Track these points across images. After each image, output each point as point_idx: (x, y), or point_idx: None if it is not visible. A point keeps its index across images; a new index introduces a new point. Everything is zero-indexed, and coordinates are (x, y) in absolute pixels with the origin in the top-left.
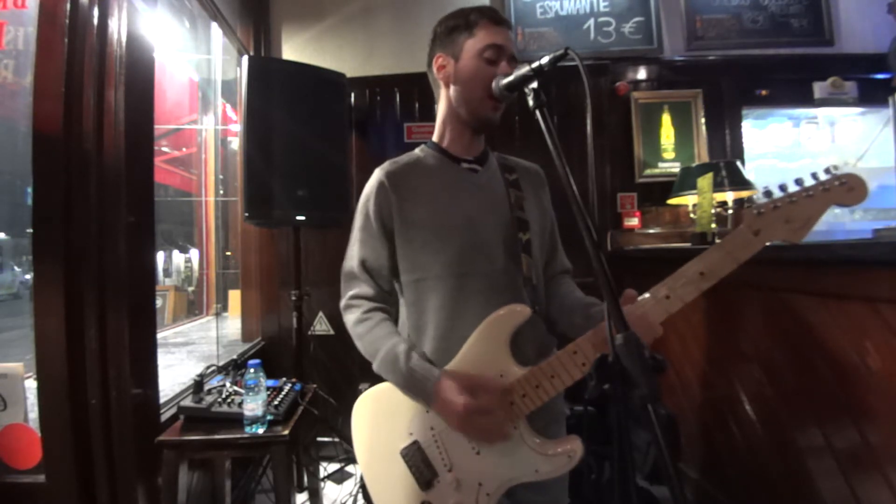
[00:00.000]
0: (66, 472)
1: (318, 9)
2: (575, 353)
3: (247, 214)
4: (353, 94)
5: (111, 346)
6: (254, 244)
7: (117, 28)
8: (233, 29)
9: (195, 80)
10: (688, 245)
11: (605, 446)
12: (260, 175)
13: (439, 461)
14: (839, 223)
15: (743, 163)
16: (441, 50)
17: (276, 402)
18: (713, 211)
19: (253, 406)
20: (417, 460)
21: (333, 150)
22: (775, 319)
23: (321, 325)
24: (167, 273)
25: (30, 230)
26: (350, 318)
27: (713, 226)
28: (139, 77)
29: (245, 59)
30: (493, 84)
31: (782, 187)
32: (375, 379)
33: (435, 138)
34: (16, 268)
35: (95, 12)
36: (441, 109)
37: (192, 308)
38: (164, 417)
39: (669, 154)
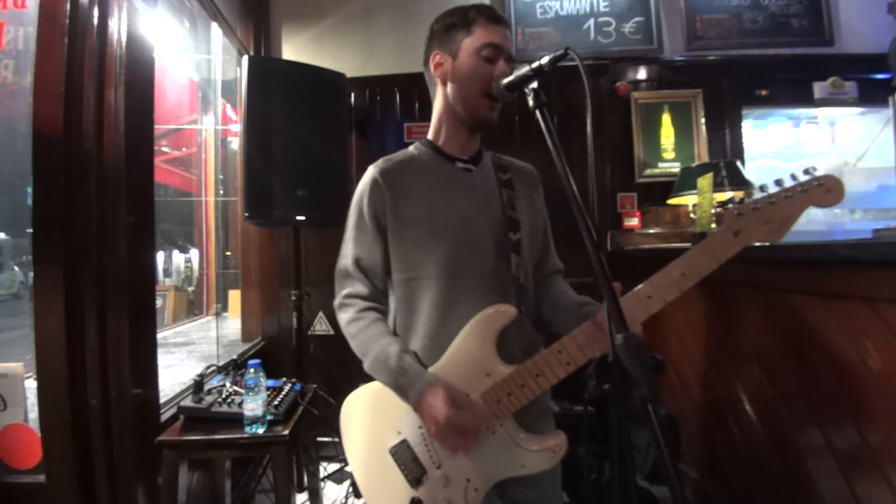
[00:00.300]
0: (66, 472)
1: (318, 9)
2: (560, 353)
3: (247, 214)
4: (353, 94)
5: (111, 346)
6: (254, 244)
7: (117, 28)
8: (233, 29)
9: (195, 80)
10: (688, 245)
11: (605, 446)
12: (260, 175)
13: (428, 458)
14: (839, 223)
15: (743, 163)
16: (438, 47)
17: (276, 402)
18: (713, 211)
19: (253, 406)
20: (406, 458)
21: (333, 150)
22: (775, 319)
23: (321, 325)
24: (167, 273)
25: (30, 230)
26: (344, 317)
27: (713, 226)
28: (139, 77)
29: (245, 59)
30: (493, 84)
31: (762, 188)
32: (374, 379)
33: (430, 136)
34: (16, 268)
35: (95, 12)
36: (437, 107)
37: (192, 308)
38: (164, 417)
39: (669, 154)
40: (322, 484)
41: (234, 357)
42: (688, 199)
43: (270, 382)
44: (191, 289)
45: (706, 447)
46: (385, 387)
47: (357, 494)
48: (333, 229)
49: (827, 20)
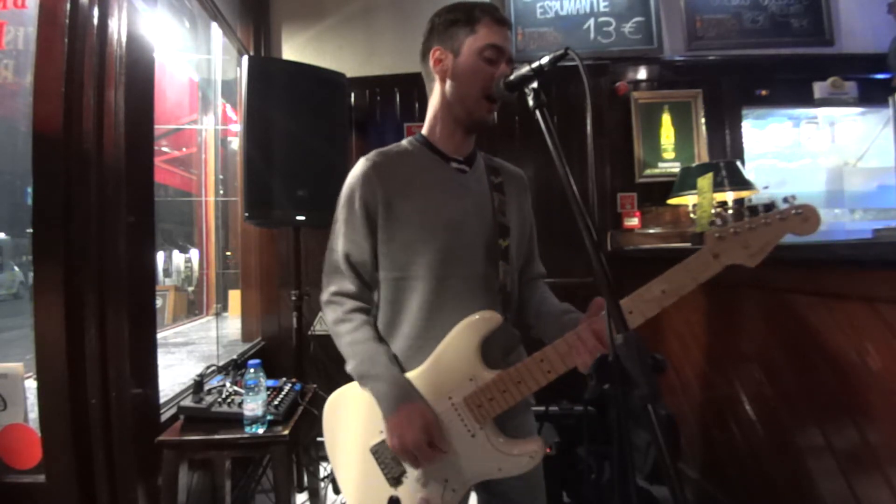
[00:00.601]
0: (66, 472)
1: (318, 9)
2: (541, 361)
3: (247, 214)
4: (353, 94)
5: (111, 346)
6: (254, 244)
7: (117, 28)
8: (233, 29)
9: (195, 80)
10: (688, 245)
11: (605, 446)
12: (260, 175)
13: None
14: (839, 223)
15: (743, 163)
16: (439, 43)
17: (276, 402)
18: (713, 211)
19: (253, 406)
20: (387, 457)
21: (333, 150)
22: (775, 319)
23: (321, 325)
24: (167, 273)
25: (30, 230)
26: (331, 316)
27: (713, 226)
28: (139, 77)
29: (245, 59)
30: (493, 84)
31: (753, 210)
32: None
33: (424, 132)
34: (16, 268)
35: (95, 12)
36: (433, 103)
37: (192, 308)
38: (164, 417)
39: (669, 154)
40: (322, 484)
41: (234, 357)
42: (688, 199)
43: (270, 382)
44: (191, 289)
45: (706, 447)
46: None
47: (336, 490)
48: None
49: (827, 20)
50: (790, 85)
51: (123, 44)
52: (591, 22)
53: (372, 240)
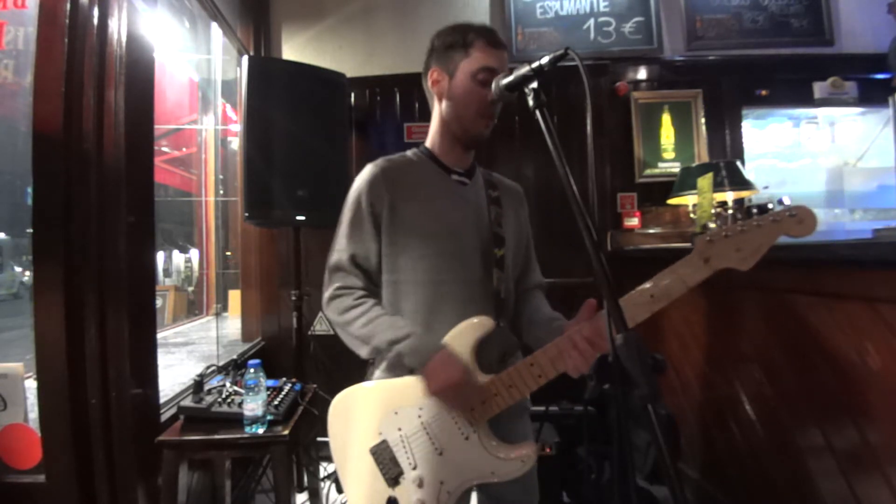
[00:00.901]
0: (66, 472)
1: (318, 9)
2: (532, 366)
3: (247, 214)
4: (353, 94)
5: (111, 346)
6: (254, 244)
7: (117, 28)
8: (233, 29)
9: (195, 80)
10: (688, 245)
11: (605, 446)
12: (260, 175)
13: (405, 460)
14: (839, 223)
15: (743, 163)
16: (437, 64)
17: (276, 402)
18: (713, 211)
19: (253, 406)
20: (385, 458)
21: (333, 150)
22: (775, 319)
23: (321, 325)
24: (167, 273)
25: (30, 230)
26: (338, 307)
27: (713, 226)
28: (139, 77)
29: (245, 59)
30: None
31: (751, 210)
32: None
33: (427, 144)
34: (16, 268)
35: (95, 12)
36: (434, 120)
37: (192, 308)
38: (164, 417)
39: (669, 154)
40: (322, 484)
41: (234, 357)
42: (688, 199)
43: (270, 382)
44: (191, 289)
45: (706, 447)
46: (368, 388)
47: (339, 490)
48: (333, 229)
49: (827, 20)
50: (790, 85)
51: (123, 44)
52: (591, 22)
53: (377, 240)
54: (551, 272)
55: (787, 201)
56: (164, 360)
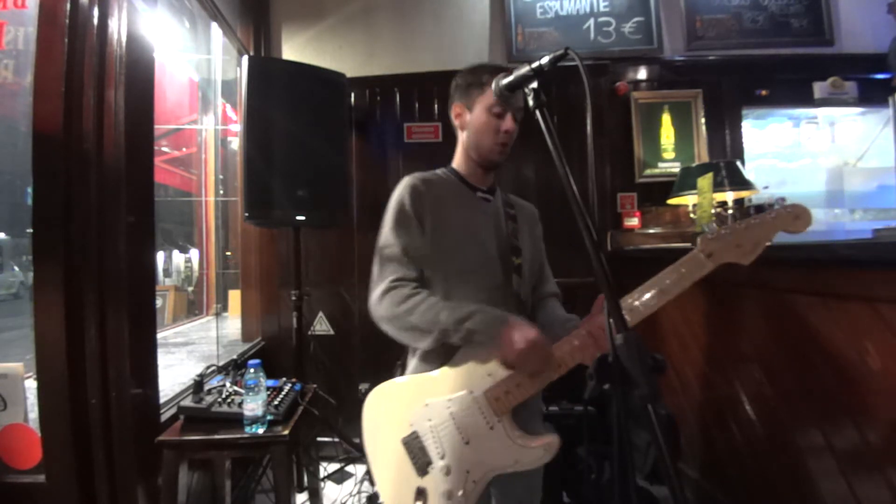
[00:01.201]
0: (66, 472)
1: (318, 9)
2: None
3: (247, 214)
4: (353, 94)
5: (111, 346)
6: (254, 244)
7: (117, 28)
8: (233, 29)
9: (195, 80)
10: (688, 245)
11: (605, 446)
12: (260, 175)
13: (434, 449)
14: (839, 223)
15: (743, 163)
16: (459, 100)
17: (276, 402)
18: (713, 211)
19: (253, 406)
20: (415, 448)
21: (333, 150)
22: (775, 319)
23: (321, 325)
24: (167, 273)
25: (30, 230)
26: (398, 295)
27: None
28: (139, 77)
29: (245, 59)
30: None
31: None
32: (374, 379)
33: (454, 165)
34: (16, 268)
35: (95, 12)
36: (458, 146)
37: (192, 308)
38: (164, 417)
39: (669, 154)
40: (322, 484)
41: (234, 357)
42: (688, 199)
43: (270, 382)
44: (191, 289)
45: (706, 447)
46: (401, 383)
47: (372, 482)
48: (333, 229)
49: (827, 20)
50: (790, 85)
51: (123, 44)
52: (591, 22)
53: (422, 237)
54: (552, 272)
55: (785, 202)
56: (164, 360)
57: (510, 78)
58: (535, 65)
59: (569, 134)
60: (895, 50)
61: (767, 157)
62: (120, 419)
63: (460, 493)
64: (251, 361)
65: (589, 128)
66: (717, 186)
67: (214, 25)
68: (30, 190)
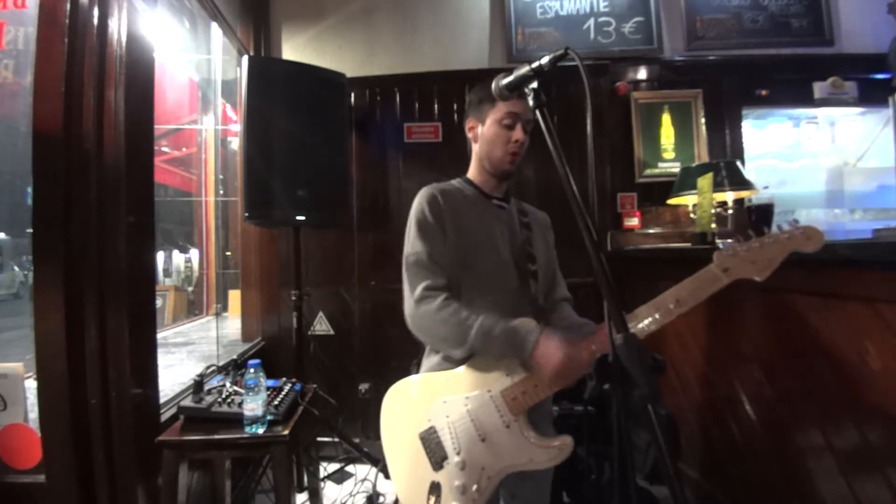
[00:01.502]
0: (66, 472)
1: (318, 9)
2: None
3: (247, 214)
4: (353, 94)
5: (111, 346)
6: (254, 244)
7: (117, 28)
8: (233, 29)
9: (195, 80)
10: (688, 245)
11: (605, 446)
12: (260, 175)
13: (450, 444)
14: (839, 223)
15: (743, 163)
16: (472, 115)
17: (276, 402)
18: (713, 211)
19: (253, 406)
20: (432, 443)
21: (333, 150)
22: (775, 319)
23: (321, 325)
24: (167, 273)
25: (30, 230)
26: (430, 308)
27: (713, 226)
28: (139, 77)
29: (245, 59)
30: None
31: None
32: (374, 379)
33: (469, 176)
34: (16, 268)
35: (95, 12)
36: (473, 158)
37: (192, 308)
38: (164, 417)
39: (669, 154)
40: (322, 484)
41: (234, 357)
42: (688, 199)
43: (270, 382)
44: (191, 289)
45: (706, 447)
46: (421, 379)
47: (387, 476)
48: (333, 230)
49: (827, 20)
50: (790, 85)
51: (123, 44)
52: (591, 22)
53: (445, 243)
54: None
55: (800, 223)
56: (164, 360)
57: (510, 78)
58: (535, 65)
59: (569, 134)
60: (895, 50)
61: (767, 157)
62: (120, 419)
63: (475, 488)
64: (251, 361)
65: (589, 128)
66: (717, 186)
67: (214, 25)
68: (30, 190)
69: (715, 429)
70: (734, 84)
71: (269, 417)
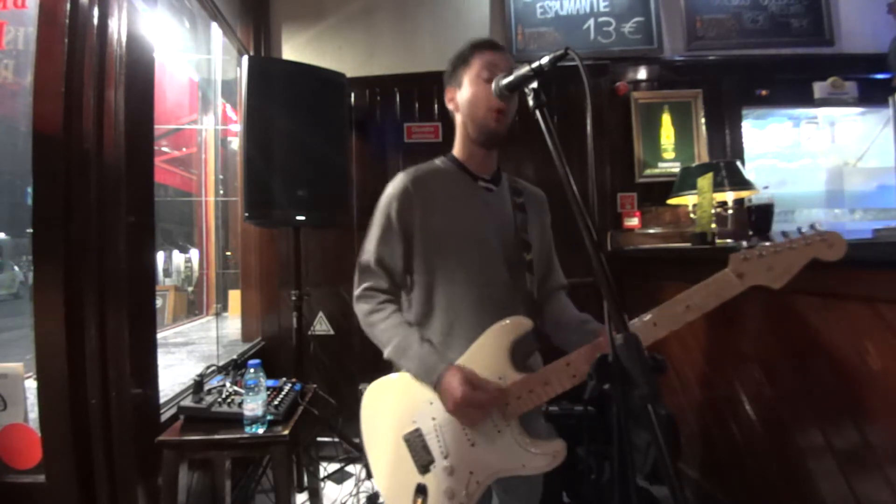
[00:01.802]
0: (66, 472)
1: (318, 9)
2: (568, 366)
3: (247, 214)
4: (353, 94)
5: (111, 346)
6: (254, 244)
7: (117, 28)
8: (233, 29)
9: (195, 80)
10: (688, 245)
11: (605, 446)
12: (260, 175)
13: (437, 448)
14: (839, 223)
15: (743, 163)
16: (449, 84)
17: (276, 402)
18: (713, 211)
19: (253, 406)
20: (418, 446)
21: (333, 150)
22: (775, 319)
23: (321, 325)
24: (167, 273)
25: (30, 230)
26: (364, 308)
27: (713, 226)
28: (139, 77)
29: (245, 59)
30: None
31: (784, 234)
32: (374, 379)
33: (454, 153)
34: (16, 268)
35: (95, 12)
36: (457, 132)
37: (192, 308)
38: (164, 417)
39: (669, 154)
40: (322, 484)
41: (234, 357)
42: (688, 199)
43: (270, 382)
44: (191, 289)
45: (706, 447)
46: (404, 378)
47: (369, 476)
48: (333, 229)
49: (827, 20)
50: (790, 85)
51: (123, 44)
52: (591, 22)
53: (404, 246)
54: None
55: (818, 227)
56: (164, 360)
57: (510, 78)
58: (535, 65)
59: (569, 134)
60: (895, 50)
61: (767, 157)
62: (120, 419)
63: (463, 493)
64: (251, 361)
65: (589, 128)
66: (717, 186)
67: (214, 25)
68: (30, 190)
69: (715, 429)
70: (734, 84)
71: (269, 417)
